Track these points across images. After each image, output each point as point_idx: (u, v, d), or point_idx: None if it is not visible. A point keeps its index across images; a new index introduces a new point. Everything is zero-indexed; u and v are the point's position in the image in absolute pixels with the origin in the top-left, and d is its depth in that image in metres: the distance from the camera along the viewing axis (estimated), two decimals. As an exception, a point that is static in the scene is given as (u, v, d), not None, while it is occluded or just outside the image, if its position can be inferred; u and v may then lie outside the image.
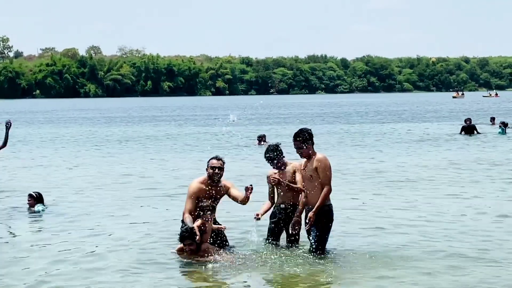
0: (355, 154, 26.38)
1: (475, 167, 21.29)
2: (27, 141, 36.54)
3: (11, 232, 12.29)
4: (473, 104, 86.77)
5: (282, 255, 10.07)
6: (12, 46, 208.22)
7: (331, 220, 9.83)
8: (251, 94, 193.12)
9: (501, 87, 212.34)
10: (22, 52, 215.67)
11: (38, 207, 14.13)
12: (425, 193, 16.18)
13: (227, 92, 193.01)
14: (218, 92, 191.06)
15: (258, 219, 10.50)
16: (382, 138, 34.14)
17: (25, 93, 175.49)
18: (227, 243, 10.55)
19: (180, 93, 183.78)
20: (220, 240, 10.39)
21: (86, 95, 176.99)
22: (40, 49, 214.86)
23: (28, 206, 14.26)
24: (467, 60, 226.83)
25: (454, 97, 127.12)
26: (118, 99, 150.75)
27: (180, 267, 9.64)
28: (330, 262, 9.71)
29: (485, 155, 24.82)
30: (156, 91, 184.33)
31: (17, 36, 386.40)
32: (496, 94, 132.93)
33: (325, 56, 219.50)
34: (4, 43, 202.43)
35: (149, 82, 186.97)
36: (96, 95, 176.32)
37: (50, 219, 13.39)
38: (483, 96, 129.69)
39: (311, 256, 9.79)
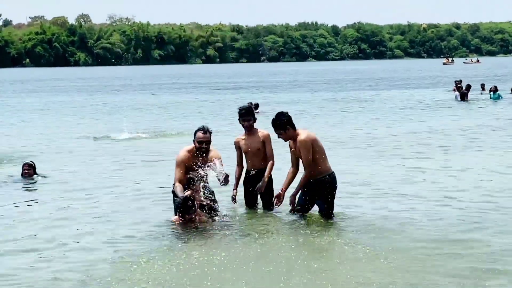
0: (353, 121, 26.53)
1: (474, 132, 21.31)
2: (20, 109, 36.54)
3: (6, 203, 12.21)
4: (465, 71, 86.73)
5: (263, 222, 10.13)
6: (0, 15, 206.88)
7: (335, 188, 10.00)
8: (242, 62, 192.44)
9: (492, 53, 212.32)
10: (11, 21, 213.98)
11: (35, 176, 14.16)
12: (425, 159, 16.18)
13: (218, 60, 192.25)
14: (209, 60, 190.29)
15: (235, 201, 10.73)
16: (377, 105, 34.29)
17: (15, 61, 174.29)
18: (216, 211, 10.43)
19: (171, 61, 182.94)
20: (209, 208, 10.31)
21: (76, 63, 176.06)
22: (29, 17, 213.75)
23: (24, 175, 14.14)
24: (458, 26, 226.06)
25: (444, 63, 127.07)
26: (109, 68, 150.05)
27: (172, 235, 9.61)
28: (324, 228, 9.76)
29: (483, 120, 24.95)
30: (146, 60, 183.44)
31: (6, 4, 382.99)
32: (478, 60, 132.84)
33: (316, 23, 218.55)
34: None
35: (139, 51, 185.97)
36: (86, 64, 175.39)
37: (46, 189, 13.35)
38: (464, 63, 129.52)
39: (310, 222, 9.91)
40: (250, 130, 10.64)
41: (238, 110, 10.79)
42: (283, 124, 9.88)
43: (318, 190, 9.94)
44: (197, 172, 9.92)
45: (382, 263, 8.19)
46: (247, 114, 10.60)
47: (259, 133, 10.60)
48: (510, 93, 37.69)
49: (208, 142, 10.01)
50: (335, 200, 10.19)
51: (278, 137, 10.09)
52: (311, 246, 9.08)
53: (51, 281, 7.82)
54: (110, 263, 8.42)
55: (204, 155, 10.02)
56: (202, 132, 9.99)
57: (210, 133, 10.07)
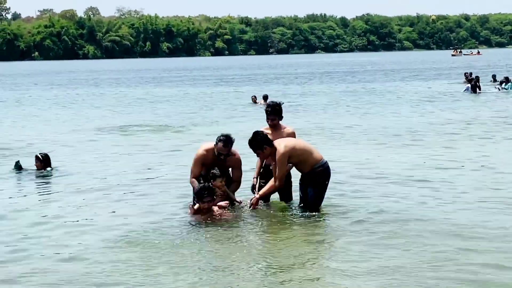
0: (371, 112, 26.73)
1: (487, 124, 21.25)
2: (35, 102, 36.78)
3: (18, 195, 12.23)
4: (473, 62, 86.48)
5: (276, 215, 10.16)
6: (9, 8, 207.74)
7: (327, 178, 10.11)
8: (251, 54, 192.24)
9: (501, 44, 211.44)
10: (20, 14, 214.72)
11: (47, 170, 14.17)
12: (437, 151, 16.15)
13: (227, 52, 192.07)
14: (217, 52, 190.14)
15: (255, 191, 10.62)
16: (391, 96, 34.33)
17: (24, 55, 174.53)
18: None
19: (179, 54, 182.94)
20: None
21: (85, 56, 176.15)
22: (38, 10, 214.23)
23: (36, 168, 14.18)
24: (467, 18, 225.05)
25: (453, 55, 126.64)
26: (118, 60, 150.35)
27: (192, 228, 9.60)
28: (325, 220, 9.85)
29: (496, 112, 24.91)
30: (155, 52, 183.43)
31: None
32: (478, 52, 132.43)
33: (325, 15, 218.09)
34: (1, 5, 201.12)
35: (148, 43, 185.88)
36: (95, 57, 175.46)
37: (58, 182, 13.35)
38: (464, 55, 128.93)
39: (307, 214, 10.00)
40: (274, 127, 10.57)
41: (266, 107, 10.80)
42: (260, 143, 9.90)
43: (310, 180, 10.06)
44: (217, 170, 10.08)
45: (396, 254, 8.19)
46: (271, 113, 10.54)
47: (284, 130, 10.57)
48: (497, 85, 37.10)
49: (228, 154, 10.10)
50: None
51: (257, 156, 10.16)
52: (322, 238, 9.12)
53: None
54: (125, 251, 8.51)
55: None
56: (223, 144, 10.06)
57: (232, 143, 10.12)
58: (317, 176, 10.00)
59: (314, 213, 10.00)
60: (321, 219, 9.88)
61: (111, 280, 7.57)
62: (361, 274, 7.50)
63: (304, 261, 8.04)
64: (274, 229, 9.52)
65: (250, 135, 10.00)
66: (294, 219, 9.93)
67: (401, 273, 7.52)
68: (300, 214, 10.10)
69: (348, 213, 10.16)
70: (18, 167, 14.30)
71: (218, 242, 8.85)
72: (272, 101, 10.85)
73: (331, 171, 10.32)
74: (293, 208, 10.46)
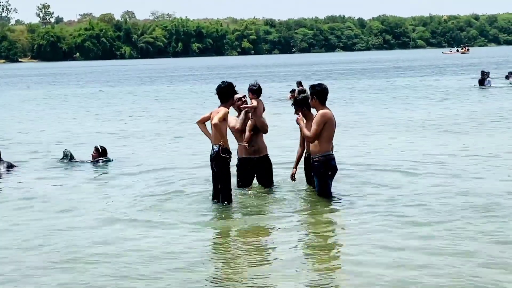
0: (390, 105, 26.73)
1: (490, 119, 20.85)
2: (89, 97, 36.97)
3: (74, 184, 12.28)
4: (479, 58, 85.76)
5: (304, 200, 10.20)
6: (53, 13, 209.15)
7: (329, 168, 9.87)
8: (275, 53, 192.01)
9: (509, 42, 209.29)
10: (62, 18, 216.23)
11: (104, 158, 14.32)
12: (450, 141, 16.04)
13: (252, 52, 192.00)
14: (244, 52, 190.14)
15: (294, 179, 10.69)
16: (409, 92, 34.07)
17: (66, 55, 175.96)
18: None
19: (209, 54, 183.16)
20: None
21: (122, 57, 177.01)
22: (79, 14, 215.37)
23: (92, 158, 14.27)
24: (476, 17, 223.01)
25: (463, 52, 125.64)
26: (153, 60, 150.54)
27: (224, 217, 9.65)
28: (334, 206, 9.83)
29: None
30: (186, 52, 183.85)
31: (57, 2, 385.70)
32: (467, 49, 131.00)
33: (343, 16, 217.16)
34: (46, 10, 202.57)
35: (179, 44, 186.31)
36: (131, 57, 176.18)
37: (113, 172, 13.42)
38: (443, 53, 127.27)
39: (320, 200, 9.96)
40: (305, 117, 10.45)
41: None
42: (311, 93, 9.92)
43: (313, 168, 10.00)
44: None
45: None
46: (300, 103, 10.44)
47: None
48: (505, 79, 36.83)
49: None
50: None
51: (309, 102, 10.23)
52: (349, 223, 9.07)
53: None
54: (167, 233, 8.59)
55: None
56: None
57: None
58: (317, 165, 9.84)
59: (324, 201, 9.88)
60: (332, 206, 9.80)
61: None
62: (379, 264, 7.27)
63: (317, 249, 7.94)
64: (289, 214, 9.50)
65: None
66: (306, 205, 9.95)
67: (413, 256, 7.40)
68: (314, 200, 10.07)
69: (364, 200, 10.11)
70: (67, 156, 14.36)
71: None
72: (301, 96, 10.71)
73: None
74: (310, 194, 10.39)
